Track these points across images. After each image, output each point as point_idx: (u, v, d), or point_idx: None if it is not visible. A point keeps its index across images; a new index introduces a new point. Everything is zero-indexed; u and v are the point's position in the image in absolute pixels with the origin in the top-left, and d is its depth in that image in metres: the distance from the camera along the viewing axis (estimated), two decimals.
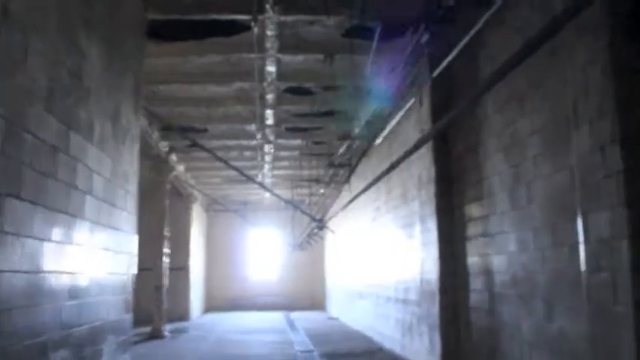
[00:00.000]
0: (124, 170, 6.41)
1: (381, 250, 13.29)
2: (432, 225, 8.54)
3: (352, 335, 14.96)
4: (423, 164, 9.10)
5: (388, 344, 12.18)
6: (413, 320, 10.43)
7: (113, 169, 6.02)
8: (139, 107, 7.14)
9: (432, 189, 8.60)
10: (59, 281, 4.61)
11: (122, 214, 6.34)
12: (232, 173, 18.85)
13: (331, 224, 14.02)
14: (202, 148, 11.00)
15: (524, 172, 6.29)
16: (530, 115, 6.15)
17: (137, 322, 16.52)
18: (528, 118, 6.19)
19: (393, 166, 7.39)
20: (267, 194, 23.18)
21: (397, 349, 11.48)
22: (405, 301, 11.08)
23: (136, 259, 6.93)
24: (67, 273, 4.76)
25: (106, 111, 5.79)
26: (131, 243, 6.76)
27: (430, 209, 8.66)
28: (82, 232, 5.06)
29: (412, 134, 9.79)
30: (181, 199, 20.82)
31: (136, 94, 7.03)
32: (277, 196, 11.77)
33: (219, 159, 11.20)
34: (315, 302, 25.50)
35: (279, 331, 16.65)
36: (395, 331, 11.77)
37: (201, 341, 14.15)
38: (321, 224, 13.78)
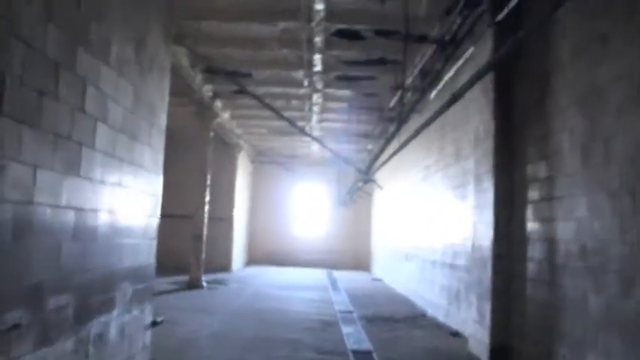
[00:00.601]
0: (149, 101, 5.76)
1: (429, 212, 12.51)
2: (489, 185, 7.70)
3: (395, 299, 14.31)
4: (481, 118, 8.22)
5: (432, 311, 11.49)
6: (460, 287, 9.69)
7: (136, 99, 5.37)
8: (169, 35, 6.44)
9: (490, 145, 7.73)
10: (58, 218, 4.02)
11: (145, 149, 5.72)
12: (279, 124, 18.24)
13: (379, 182, 13.25)
14: (249, 94, 10.26)
15: (602, 126, 5.41)
16: (615, 59, 5.24)
17: (176, 270, 16.49)
18: (612, 62, 5.29)
19: (454, 98, 6.56)
20: (315, 148, 22.57)
21: (441, 316, 10.78)
22: (452, 267, 10.33)
23: (159, 201, 6.33)
24: (69, 208, 4.17)
25: (127, 32, 5.12)
26: (155, 183, 6.16)
27: (487, 167, 7.80)
28: (90, 164, 4.44)
29: (472, 97, 8.90)
30: (227, 148, 20.34)
31: (167, 21, 6.32)
32: (326, 146, 10.96)
33: (267, 106, 10.46)
34: (359, 262, 24.90)
35: (319, 288, 16.13)
36: (440, 297, 11.06)
37: (238, 294, 13.72)
38: (367, 177, 13.00)
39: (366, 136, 18.08)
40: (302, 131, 11.67)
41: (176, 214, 19.08)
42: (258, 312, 11.01)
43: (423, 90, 10.65)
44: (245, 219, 23.84)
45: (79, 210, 4.32)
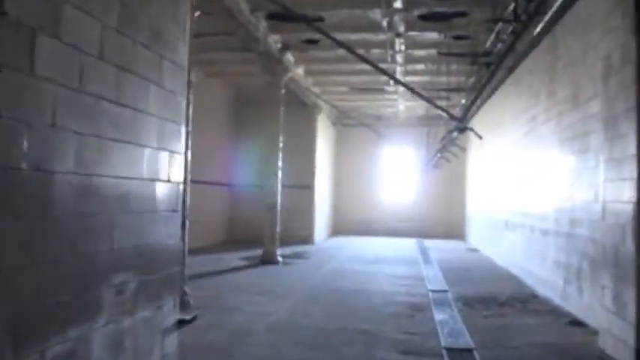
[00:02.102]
0: (153, 25, 4.18)
1: (536, 171, 10.47)
2: (629, 129, 5.67)
3: (496, 274, 12.36)
4: (614, 41, 6.15)
5: (543, 291, 9.54)
6: (583, 264, 7.71)
7: (126, 16, 3.79)
8: None
9: (630, 74, 5.68)
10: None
11: (150, 89, 4.15)
12: (361, 79, 16.45)
13: (477, 131, 11.21)
14: (328, 36, 8.36)
15: None
16: None
17: (254, 244, 15.12)
18: None
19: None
20: (402, 106, 20.66)
21: (556, 298, 8.84)
22: (570, 237, 8.34)
23: (182, 161, 4.76)
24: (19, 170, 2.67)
25: None
26: (174, 137, 4.59)
27: (625, 106, 5.76)
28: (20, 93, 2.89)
29: (596, 19, 6.86)
30: (305, 109, 18.77)
31: None
32: (415, 92, 8.94)
33: (349, 50, 8.65)
34: (453, 230, 22.84)
35: (409, 261, 14.38)
36: (554, 274, 9.10)
37: (316, 270, 12.18)
38: (463, 125, 10.99)
39: (459, 89, 15.97)
40: (389, 76, 9.73)
41: (247, 183, 17.80)
42: (335, 293, 9.39)
43: (526, 22, 8.59)
44: (329, 186, 22.30)
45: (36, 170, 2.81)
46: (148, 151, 4.17)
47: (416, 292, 9.63)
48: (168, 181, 4.53)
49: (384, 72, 9.24)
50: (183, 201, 5.64)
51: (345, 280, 10.78)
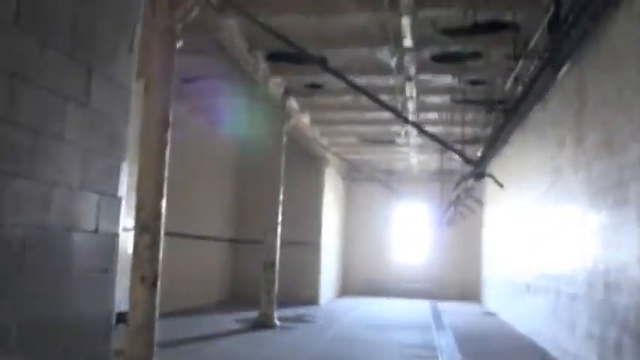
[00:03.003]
0: (79, 24, 3.21)
1: (562, 227, 9.30)
2: None
3: (517, 344, 11.02)
4: None
5: None
6: (624, 339, 6.49)
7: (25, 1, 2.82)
8: None
9: None
10: None
11: (68, 108, 3.15)
12: (370, 129, 15.55)
13: (495, 178, 10.06)
14: (335, 73, 7.20)
15: None
16: None
17: (251, 305, 13.86)
18: None
19: None
20: (414, 160, 19.70)
21: None
22: (605, 304, 7.14)
23: (119, 207, 3.73)
24: None
25: None
26: (108, 174, 3.57)
27: None
28: None
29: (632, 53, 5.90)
30: (311, 162, 17.80)
31: None
32: (426, 133, 7.75)
33: (359, 90, 7.65)
34: (468, 292, 21.42)
35: (420, 327, 13.08)
36: (586, 348, 7.85)
37: (316, 337, 10.92)
38: (479, 170, 9.88)
39: (474, 141, 14.96)
40: (399, 115, 8.76)
41: (249, 238, 16.74)
42: None
43: (549, 58, 7.60)
44: (337, 244, 21.11)
45: None
46: (59, 191, 3.14)
47: None
48: (96, 231, 3.48)
49: (394, 110, 8.27)
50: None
51: (346, 349, 9.53)
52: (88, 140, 3.35)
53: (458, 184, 14.52)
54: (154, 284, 6.58)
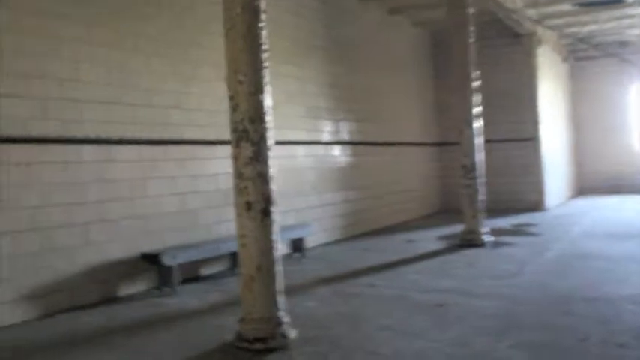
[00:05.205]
0: None
1: None
2: None
3: None
4: None
5: None
6: None
7: None
8: None
9: None
10: None
11: None
12: None
13: None
14: None
15: None
16: None
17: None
18: None
19: None
20: None
21: None
22: None
23: None
24: None
25: None
26: None
27: None
28: None
29: None
30: (519, 43, 14.68)
31: None
32: None
33: None
34: None
35: None
36: None
37: (532, 256, 8.35)
38: None
39: None
40: None
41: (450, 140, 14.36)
42: (547, 308, 5.70)
43: None
44: (564, 137, 17.78)
45: None
46: None
47: None
48: None
49: None
50: None
51: (572, 277, 6.90)
52: None
53: None
54: (265, 212, 4.70)
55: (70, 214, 6.25)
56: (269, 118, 4.81)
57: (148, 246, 6.98)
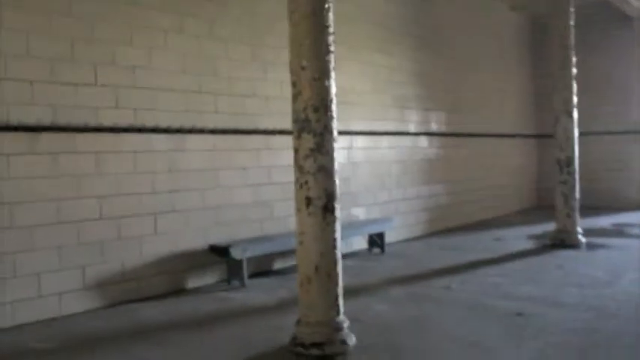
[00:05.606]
0: None
1: None
2: None
3: None
4: None
5: None
6: None
7: None
8: None
9: None
10: None
11: None
12: None
13: None
14: None
15: None
16: None
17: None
18: None
19: None
20: None
21: None
22: None
23: None
24: None
25: None
26: None
27: None
28: None
29: None
30: (627, 24, 13.58)
31: None
32: None
33: None
34: None
35: None
36: None
37: (634, 263, 7.62)
38: None
39: None
40: None
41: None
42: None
43: None
44: None
45: None
46: None
47: None
48: None
49: None
50: None
51: None
52: None
53: None
54: (327, 208, 4.38)
55: (139, 204, 6.17)
56: (334, 107, 4.48)
57: (219, 238, 6.82)
